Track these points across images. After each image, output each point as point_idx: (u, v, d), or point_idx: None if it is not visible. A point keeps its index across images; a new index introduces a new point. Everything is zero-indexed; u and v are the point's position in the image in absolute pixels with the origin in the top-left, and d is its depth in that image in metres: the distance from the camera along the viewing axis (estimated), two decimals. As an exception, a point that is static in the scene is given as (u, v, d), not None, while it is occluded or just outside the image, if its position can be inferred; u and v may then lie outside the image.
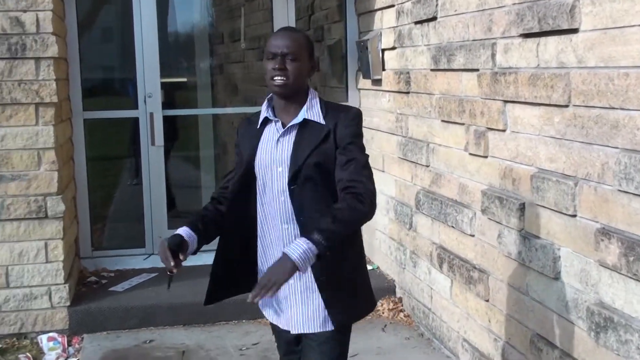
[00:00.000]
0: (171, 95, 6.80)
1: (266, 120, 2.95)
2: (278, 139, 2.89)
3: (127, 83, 6.51)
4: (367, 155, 2.88)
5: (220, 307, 5.16)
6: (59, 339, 4.93)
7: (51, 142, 4.95)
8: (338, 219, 2.66)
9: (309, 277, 2.86)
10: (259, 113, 3.00)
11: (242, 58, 7.88)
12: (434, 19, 4.55)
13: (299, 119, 2.88)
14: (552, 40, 3.28)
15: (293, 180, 2.84)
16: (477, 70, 4.01)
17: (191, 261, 6.13)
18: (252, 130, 2.99)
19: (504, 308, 3.89)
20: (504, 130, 3.77)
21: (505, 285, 3.86)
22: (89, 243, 6.03)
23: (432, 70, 4.64)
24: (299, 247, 2.56)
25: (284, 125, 2.90)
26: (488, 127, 3.93)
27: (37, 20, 4.84)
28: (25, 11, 4.82)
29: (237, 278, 3.04)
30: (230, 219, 2.99)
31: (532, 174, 3.49)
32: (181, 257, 2.82)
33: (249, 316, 5.23)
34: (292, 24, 6.21)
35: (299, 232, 2.83)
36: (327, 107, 2.92)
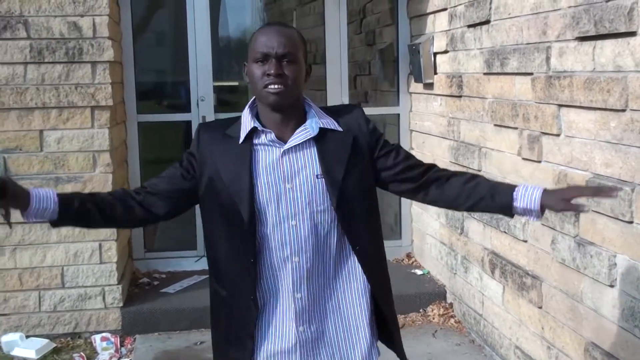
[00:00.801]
0: (223, 99, 6.85)
1: (251, 133, 2.39)
2: (282, 155, 2.36)
3: (180, 87, 6.58)
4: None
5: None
6: (112, 339, 5.00)
7: (106, 144, 5.02)
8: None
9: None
10: (230, 123, 2.46)
11: (293, 62, 7.90)
12: (487, 22, 4.51)
13: (314, 130, 2.37)
14: (608, 43, 3.23)
15: (339, 203, 2.36)
16: (531, 74, 3.96)
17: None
18: (230, 146, 2.39)
19: (557, 315, 3.83)
20: (558, 135, 3.72)
21: (558, 292, 3.80)
22: (142, 245, 6.11)
23: (484, 74, 4.60)
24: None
25: (282, 140, 2.37)
26: (542, 131, 3.89)
27: (94, 24, 4.92)
28: (82, 16, 4.91)
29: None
30: (226, 270, 2.45)
31: (587, 179, 3.43)
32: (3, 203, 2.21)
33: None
34: (344, 27, 6.22)
35: (331, 266, 2.43)
36: (328, 111, 2.48)
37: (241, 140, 2.37)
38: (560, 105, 3.68)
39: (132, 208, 2.44)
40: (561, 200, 2.31)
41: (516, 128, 4.19)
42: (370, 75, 7.04)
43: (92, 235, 5.06)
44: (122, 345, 5.03)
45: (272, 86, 2.30)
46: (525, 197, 2.33)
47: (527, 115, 4.04)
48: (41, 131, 4.96)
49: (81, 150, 5.01)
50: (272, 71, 2.30)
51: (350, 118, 2.46)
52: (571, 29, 3.51)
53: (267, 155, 2.37)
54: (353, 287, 2.47)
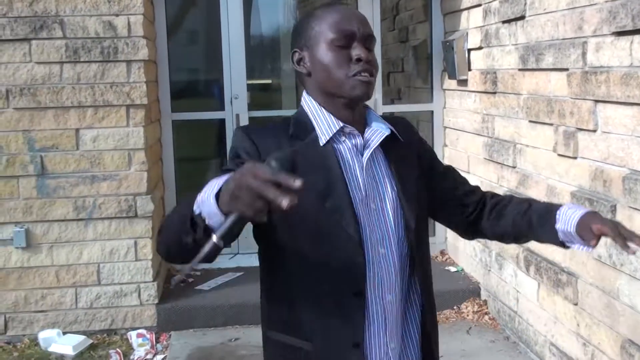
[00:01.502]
0: (256, 97, 6.87)
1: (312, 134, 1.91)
2: (367, 161, 1.92)
3: (214, 85, 6.61)
4: None
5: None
6: (148, 336, 5.04)
7: (141, 143, 5.06)
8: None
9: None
10: (279, 123, 1.95)
11: (326, 59, 7.89)
12: (522, 17, 4.48)
13: (384, 130, 1.94)
14: (646, 37, 3.19)
15: (414, 229, 1.95)
16: (567, 69, 3.93)
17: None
18: (310, 151, 1.87)
19: (593, 312, 3.80)
20: (594, 131, 3.69)
21: (594, 288, 3.77)
22: (177, 242, 6.13)
23: (519, 70, 4.57)
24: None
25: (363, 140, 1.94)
26: (578, 127, 3.85)
27: (129, 24, 4.96)
28: (117, 15, 4.95)
29: None
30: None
31: (624, 176, 3.40)
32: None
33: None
34: (377, 24, 6.20)
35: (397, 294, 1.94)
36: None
37: (324, 141, 1.89)
38: (597, 101, 3.64)
39: None
40: (589, 231, 1.86)
41: (552, 124, 4.16)
42: (403, 72, 7.02)
43: (127, 233, 5.10)
44: (157, 342, 5.06)
45: (364, 74, 1.85)
46: (565, 217, 1.94)
47: (563, 111, 4.00)
48: (77, 130, 5.01)
49: (116, 148, 5.05)
50: (363, 56, 1.85)
51: (404, 128, 2.04)
52: (608, 23, 3.47)
53: (352, 164, 1.91)
54: (414, 328, 2.03)
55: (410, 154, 2.01)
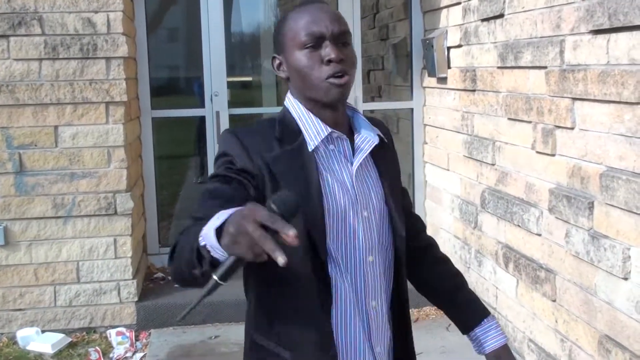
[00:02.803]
0: (237, 94, 6.87)
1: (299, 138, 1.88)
2: (356, 171, 1.90)
3: (194, 82, 6.60)
4: None
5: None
6: (127, 334, 5.03)
7: (121, 140, 5.05)
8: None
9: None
10: (265, 125, 1.91)
11: (306, 57, 7.90)
12: (501, 16, 4.50)
13: (372, 136, 1.92)
14: (623, 36, 3.22)
15: (404, 229, 1.98)
16: (545, 67, 3.95)
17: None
18: (292, 157, 1.84)
19: (571, 308, 3.83)
20: (572, 128, 3.72)
21: (572, 285, 3.80)
22: (156, 240, 6.13)
23: (498, 67, 4.59)
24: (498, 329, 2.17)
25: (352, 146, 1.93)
26: (556, 125, 3.88)
27: (108, 20, 4.94)
28: (96, 12, 4.93)
29: None
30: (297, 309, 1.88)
31: (602, 173, 3.43)
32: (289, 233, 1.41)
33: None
34: (357, 22, 6.21)
35: (386, 309, 1.98)
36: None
37: (312, 147, 1.85)
38: (574, 99, 3.67)
39: None
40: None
41: (530, 122, 4.18)
42: (383, 70, 7.04)
43: (107, 231, 5.09)
44: (137, 340, 5.05)
45: (337, 76, 1.81)
46: (488, 332, 2.17)
47: (541, 108, 4.03)
48: (56, 127, 4.99)
49: (96, 145, 5.03)
50: (334, 56, 1.80)
51: (385, 133, 2.01)
52: (585, 22, 3.50)
53: (337, 170, 1.88)
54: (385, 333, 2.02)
55: (393, 160, 2.03)
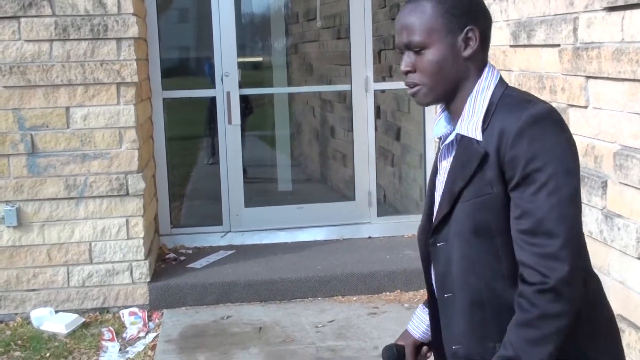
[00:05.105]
0: (247, 75, 6.86)
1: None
2: (440, 162, 1.93)
3: (205, 63, 6.60)
4: (564, 195, 1.74)
5: (295, 284, 5.23)
6: (140, 314, 5.05)
7: (132, 121, 5.05)
8: (512, 343, 1.68)
9: None
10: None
11: (317, 37, 7.88)
12: (513, -6, 4.46)
13: (453, 132, 1.87)
14: (638, 13, 3.18)
15: (438, 230, 1.85)
16: (558, 45, 3.92)
17: (267, 239, 6.17)
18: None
19: (584, 288, 3.81)
20: (585, 107, 3.69)
21: (585, 265, 3.78)
22: (168, 220, 6.15)
23: (511, 46, 4.56)
24: None
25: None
26: (569, 103, 3.85)
27: (119, 1, 4.92)
28: (106, -8, 4.92)
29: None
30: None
31: (615, 151, 3.40)
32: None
33: (325, 294, 5.26)
34: (368, 1, 6.18)
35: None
36: (499, 106, 1.81)
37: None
38: (588, 77, 3.64)
39: None
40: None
41: (543, 101, 4.15)
42: (394, 49, 6.99)
43: (119, 211, 5.10)
44: (149, 320, 5.07)
45: (409, 86, 1.84)
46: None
47: (554, 87, 4.00)
48: (67, 108, 4.99)
49: (107, 126, 5.03)
50: (401, 68, 1.83)
51: (506, 124, 1.76)
52: (599, -1, 3.47)
53: (443, 165, 1.92)
54: None
55: (473, 157, 1.75)
